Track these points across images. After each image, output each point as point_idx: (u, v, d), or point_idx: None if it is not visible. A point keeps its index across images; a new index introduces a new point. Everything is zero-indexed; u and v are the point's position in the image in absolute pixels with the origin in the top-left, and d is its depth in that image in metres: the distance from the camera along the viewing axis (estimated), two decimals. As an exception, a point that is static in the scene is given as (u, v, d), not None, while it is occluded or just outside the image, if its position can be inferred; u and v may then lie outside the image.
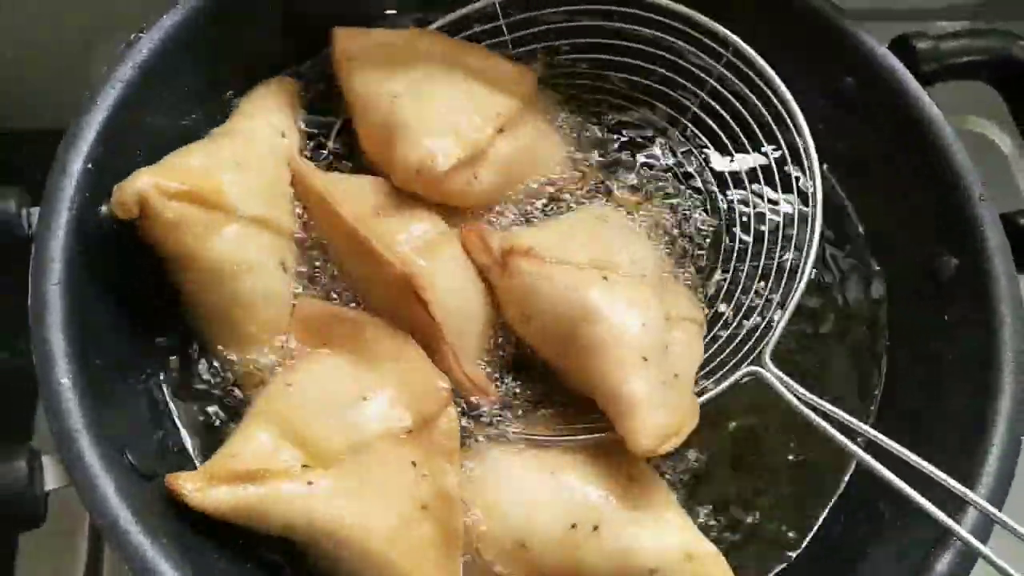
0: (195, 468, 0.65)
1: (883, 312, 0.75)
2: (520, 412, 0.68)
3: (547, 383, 0.69)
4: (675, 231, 0.77)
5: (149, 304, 0.68)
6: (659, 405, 0.61)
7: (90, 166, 0.64)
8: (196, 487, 0.58)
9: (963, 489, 0.59)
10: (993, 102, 0.81)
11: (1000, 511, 0.59)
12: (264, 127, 0.73)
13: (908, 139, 0.72)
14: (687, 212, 0.77)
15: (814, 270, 0.70)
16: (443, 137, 0.69)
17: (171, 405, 0.68)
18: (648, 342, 0.63)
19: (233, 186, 0.66)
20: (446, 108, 0.71)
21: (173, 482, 0.58)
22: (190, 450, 0.67)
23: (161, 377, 0.68)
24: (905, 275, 0.74)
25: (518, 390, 0.69)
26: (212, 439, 0.67)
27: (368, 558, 0.60)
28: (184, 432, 0.68)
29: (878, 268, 0.76)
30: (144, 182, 0.62)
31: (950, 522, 0.59)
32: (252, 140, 0.71)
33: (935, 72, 0.76)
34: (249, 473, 0.59)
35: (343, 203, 0.67)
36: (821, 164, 0.72)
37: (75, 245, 0.62)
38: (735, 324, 0.71)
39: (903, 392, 0.72)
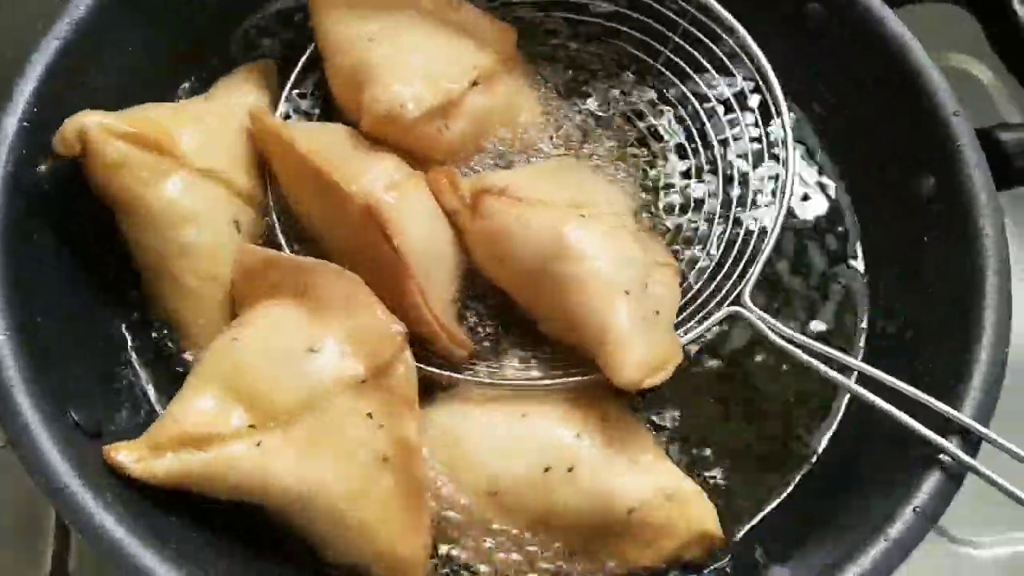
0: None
1: (861, 238, 0.73)
2: (491, 360, 0.66)
3: (517, 332, 0.67)
4: (648, 182, 0.74)
5: (95, 260, 0.66)
6: (642, 337, 0.59)
7: (26, 124, 0.62)
8: (137, 457, 0.56)
9: (948, 409, 0.57)
10: (967, 32, 0.79)
11: (988, 425, 0.57)
12: (237, 101, 0.71)
13: (877, 61, 0.70)
14: (660, 164, 0.75)
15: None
16: (415, 83, 0.67)
17: (126, 363, 0.66)
18: (628, 276, 0.61)
19: (187, 136, 0.65)
20: (421, 56, 0.69)
21: (111, 454, 0.56)
22: (150, 406, 0.66)
23: (112, 334, 0.67)
24: (882, 199, 0.71)
25: (488, 340, 0.67)
26: (167, 395, 0.65)
27: (331, 516, 0.57)
28: (138, 389, 0.66)
29: (853, 194, 0.74)
30: (89, 119, 0.62)
31: (939, 439, 0.57)
32: (220, 107, 0.70)
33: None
34: (193, 438, 0.56)
35: (301, 141, 0.64)
36: (788, 94, 0.70)
37: (11, 203, 0.60)
38: (711, 266, 0.69)
39: (888, 316, 0.70)
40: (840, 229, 0.74)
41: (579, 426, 0.61)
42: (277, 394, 0.58)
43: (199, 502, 0.57)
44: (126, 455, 0.56)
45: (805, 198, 0.75)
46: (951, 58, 0.98)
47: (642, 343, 0.59)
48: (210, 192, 0.65)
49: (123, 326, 0.67)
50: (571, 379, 0.62)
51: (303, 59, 0.73)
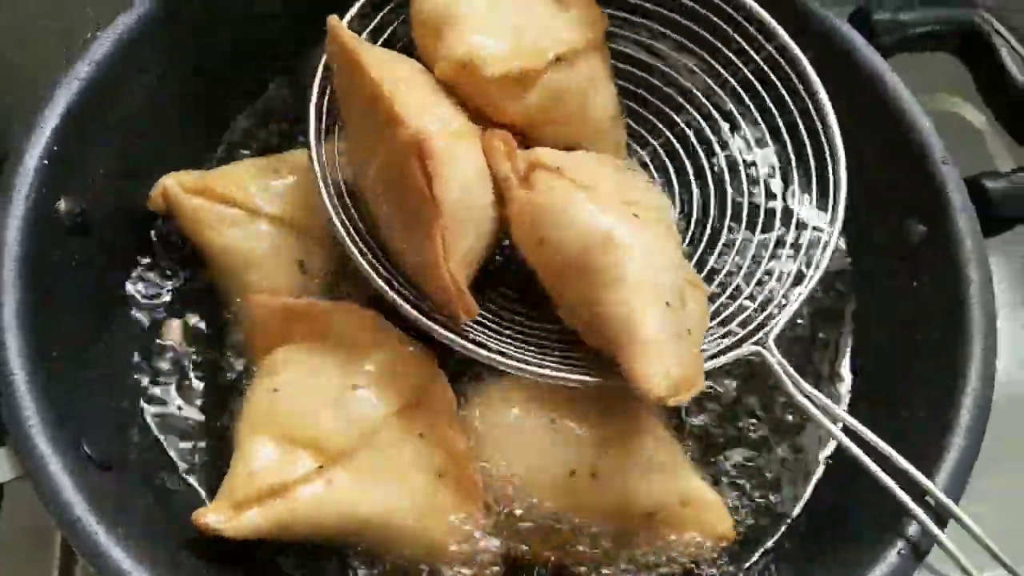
0: (169, 459, 0.66)
1: (852, 281, 0.75)
2: (507, 339, 0.63)
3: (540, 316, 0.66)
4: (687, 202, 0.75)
5: (108, 297, 0.68)
6: (674, 351, 0.56)
7: (47, 161, 0.64)
8: (226, 518, 0.58)
9: (923, 479, 0.59)
10: (962, 77, 0.81)
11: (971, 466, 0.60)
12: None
13: (868, 108, 0.72)
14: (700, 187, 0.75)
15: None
16: (500, 40, 0.64)
17: (136, 399, 0.68)
18: (670, 286, 0.59)
19: (256, 186, 0.70)
20: (512, 14, 0.66)
21: (200, 520, 0.58)
22: (160, 441, 0.67)
23: (123, 371, 0.68)
24: (874, 243, 0.73)
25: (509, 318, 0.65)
26: (176, 431, 0.68)
27: (402, 535, 0.60)
28: (148, 423, 0.68)
29: (845, 237, 0.75)
30: (167, 180, 0.70)
31: (914, 507, 0.58)
32: (293, 156, 0.74)
33: (895, 44, 0.76)
34: (272, 489, 0.59)
35: (373, 64, 0.61)
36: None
37: (31, 239, 0.62)
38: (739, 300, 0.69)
39: (878, 359, 0.71)
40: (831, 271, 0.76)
41: (604, 430, 0.62)
42: (334, 435, 0.60)
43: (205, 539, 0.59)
44: (215, 517, 0.58)
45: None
46: (944, 100, 1.00)
47: (673, 357, 0.56)
48: (276, 237, 0.69)
49: (135, 362, 0.69)
50: (594, 379, 0.61)
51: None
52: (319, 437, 0.60)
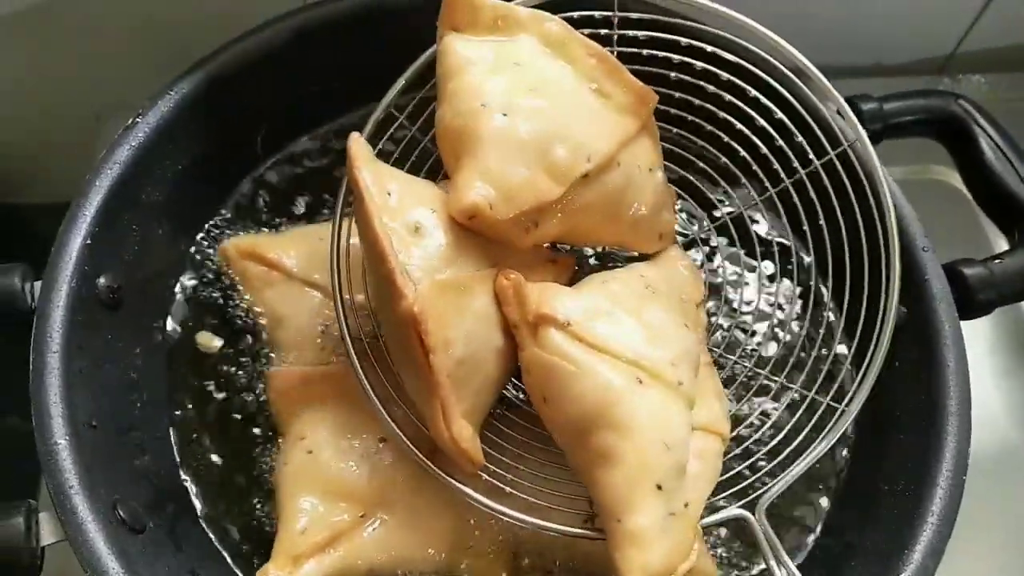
0: (191, 522, 0.71)
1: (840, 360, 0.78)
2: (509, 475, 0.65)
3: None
4: (724, 319, 0.78)
5: (139, 368, 0.73)
6: (658, 541, 0.57)
7: (89, 242, 0.69)
8: (287, 572, 0.65)
9: None
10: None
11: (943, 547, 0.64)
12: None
13: (854, 196, 0.75)
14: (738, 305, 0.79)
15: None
16: (513, 176, 0.61)
17: (169, 465, 0.73)
18: (667, 467, 0.58)
19: (291, 253, 0.77)
20: (543, 125, 0.62)
21: None
22: (191, 503, 0.72)
23: (156, 436, 0.73)
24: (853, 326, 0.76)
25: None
26: (208, 495, 0.72)
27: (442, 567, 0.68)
28: (180, 488, 0.72)
29: (833, 319, 0.79)
30: (226, 243, 0.80)
31: None
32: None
33: (881, 131, 0.80)
34: (324, 542, 0.66)
35: (375, 214, 0.59)
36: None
37: (73, 316, 0.67)
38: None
39: (857, 436, 0.75)
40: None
41: None
42: (371, 483, 0.68)
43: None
44: (276, 573, 0.65)
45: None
46: (933, 170, 1.04)
47: (658, 548, 0.57)
48: (309, 300, 0.76)
49: (166, 430, 0.74)
50: (587, 534, 0.63)
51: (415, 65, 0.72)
52: (355, 488, 0.67)
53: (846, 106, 0.72)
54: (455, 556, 0.67)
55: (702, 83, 0.75)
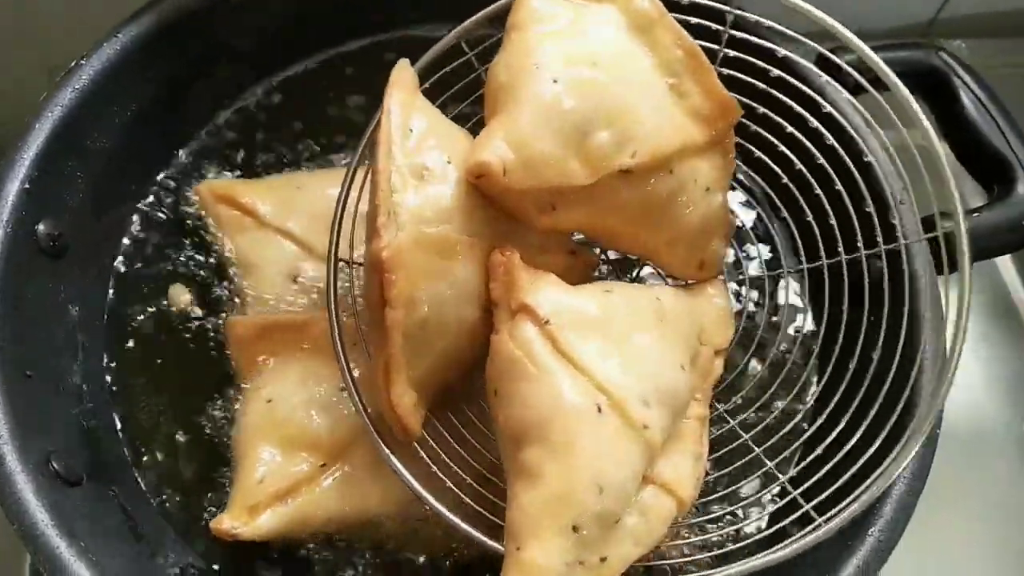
0: (129, 474, 0.67)
1: (811, 320, 0.76)
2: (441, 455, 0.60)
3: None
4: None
5: (78, 317, 0.70)
6: None
7: (27, 187, 0.65)
8: (242, 522, 0.62)
9: None
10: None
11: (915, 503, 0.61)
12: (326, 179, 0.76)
13: (830, 147, 0.73)
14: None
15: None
16: (537, 144, 0.54)
17: (107, 415, 0.70)
18: (592, 510, 0.52)
19: (273, 200, 0.75)
20: (596, 103, 0.56)
21: (217, 526, 0.62)
22: (130, 457, 0.69)
23: (92, 389, 0.69)
24: (832, 280, 0.73)
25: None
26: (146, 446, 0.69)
27: (401, 516, 0.65)
28: (124, 436, 0.69)
29: (804, 276, 0.76)
30: (201, 185, 0.77)
31: None
32: (312, 177, 0.78)
33: (860, 84, 0.77)
34: (282, 492, 0.64)
35: (392, 140, 0.55)
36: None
37: (9, 263, 0.63)
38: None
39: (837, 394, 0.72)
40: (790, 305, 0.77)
41: None
42: (333, 434, 0.65)
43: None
44: (230, 523, 0.62)
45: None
46: (912, 134, 1.02)
47: None
48: (280, 249, 0.73)
49: (108, 381, 0.71)
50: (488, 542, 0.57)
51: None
52: (317, 438, 0.65)
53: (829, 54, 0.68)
54: (414, 507, 0.64)
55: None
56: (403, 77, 0.58)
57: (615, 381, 0.54)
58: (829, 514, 0.59)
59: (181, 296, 0.74)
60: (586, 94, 0.56)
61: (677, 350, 0.60)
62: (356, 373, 0.60)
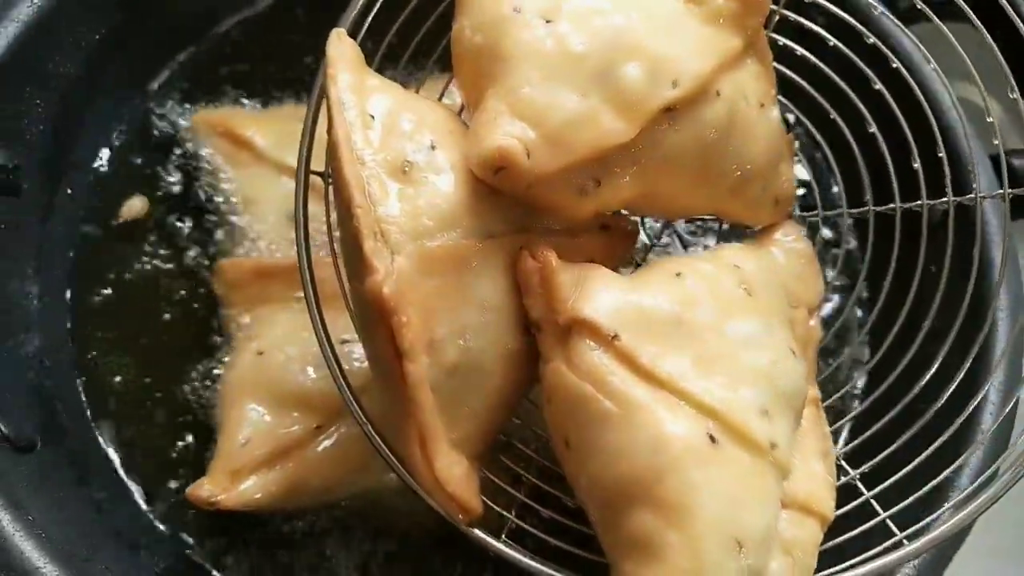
0: (90, 440, 0.61)
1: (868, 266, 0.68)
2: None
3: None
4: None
5: (41, 263, 0.63)
6: None
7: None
8: (221, 489, 0.55)
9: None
10: (976, 63, 0.75)
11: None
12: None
13: (890, 82, 0.65)
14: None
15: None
16: (556, 109, 0.43)
17: (67, 376, 0.63)
18: (732, 568, 0.41)
19: (265, 133, 0.70)
20: (601, 39, 0.44)
21: (194, 492, 0.55)
22: (95, 415, 0.63)
23: (53, 344, 0.63)
24: (890, 226, 0.66)
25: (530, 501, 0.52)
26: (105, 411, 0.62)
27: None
28: (85, 398, 0.63)
29: (857, 219, 0.69)
30: (196, 116, 0.71)
31: None
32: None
33: (913, 9, 0.69)
34: (269, 456, 0.56)
35: (353, 138, 0.43)
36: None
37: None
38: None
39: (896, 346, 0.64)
40: (845, 252, 0.70)
41: None
42: (330, 392, 0.53)
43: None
44: (209, 490, 0.56)
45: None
46: (955, 87, 0.94)
47: None
48: (278, 186, 0.68)
49: (65, 336, 0.64)
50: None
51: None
52: (312, 397, 0.57)
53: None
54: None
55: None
56: (343, 52, 0.45)
57: (722, 396, 0.42)
58: (912, 530, 0.49)
59: (135, 205, 0.69)
60: (593, 27, 0.45)
61: (779, 328, 0.48)
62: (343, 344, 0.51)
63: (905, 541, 0.49)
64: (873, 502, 0.52)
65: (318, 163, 0.50)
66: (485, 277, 0.43)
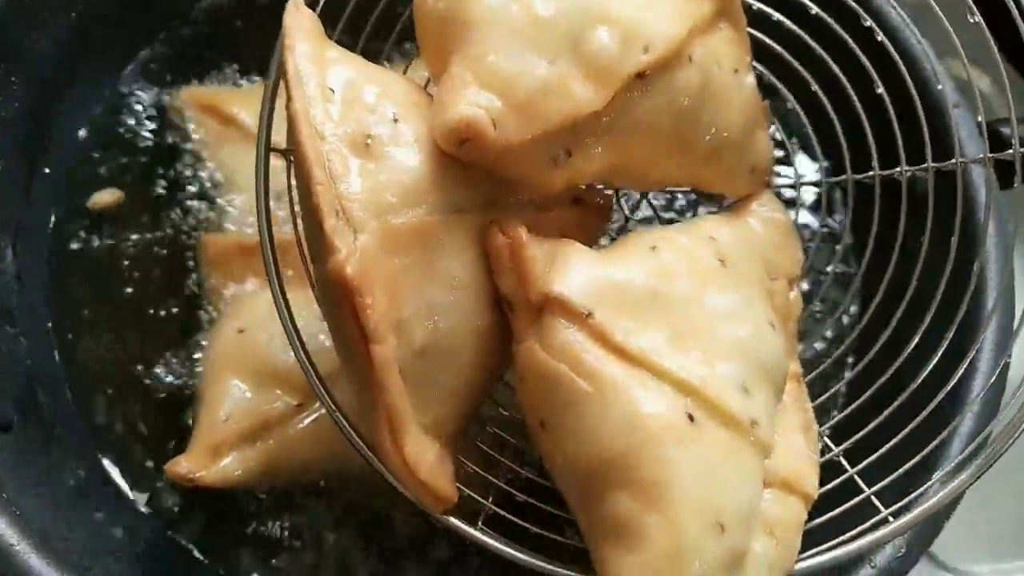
0: (69, 419, 0.60)
1: (853, 236, 0.67)
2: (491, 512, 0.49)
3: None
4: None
5: (18, 245, 0.63)
6: None
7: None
8: (199, 466, 0.55)
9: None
10: (966, 41, 0.74)
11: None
12: None
13: (874, 53, 0.64)
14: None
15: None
16: (525, 74, 0.41)
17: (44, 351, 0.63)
18: (716, 560, 0.40)
19: (251, 111, 0.68)
20: (563, 5, 0.43)
21: (172, 469, 0.55)
22: (67, 399, 0.62)
23: (31, 320, 0.63)
24: (877, 197, 0.65)
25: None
26: (88, 384, 0.61)
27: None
28: (62, 375, 0.62)
29: (846, 190, 0.68)
30: (182, 92, 0.71)
31: None
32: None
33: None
34: (249, 431, 0.56)
35: (311, 111, 0.41)
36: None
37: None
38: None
39: (884, 320, 0.63)
40: (833, 226, 0.69)
41: None
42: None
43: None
44: (187, 466, 0.55)
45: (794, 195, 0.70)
46: (947, 64, 0.93)
47: None
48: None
49: (43, 312, 0.64)
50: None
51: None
52: (295, 374, 0.55)
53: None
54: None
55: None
56: (301, 23, 0.44)
57: (699, 372, 0.41)
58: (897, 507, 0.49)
59: (114, 190, 0.68)
60: None
61: (758, 301, 0.47)
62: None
63: (890, 518, 0.48)
64: (857, 478, 0.51)
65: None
66: (453, 254, 0.42)
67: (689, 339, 0.42)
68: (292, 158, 0.46)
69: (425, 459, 0.42)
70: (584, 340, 0.41)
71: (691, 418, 0.40)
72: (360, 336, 0.39)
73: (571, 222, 0.48)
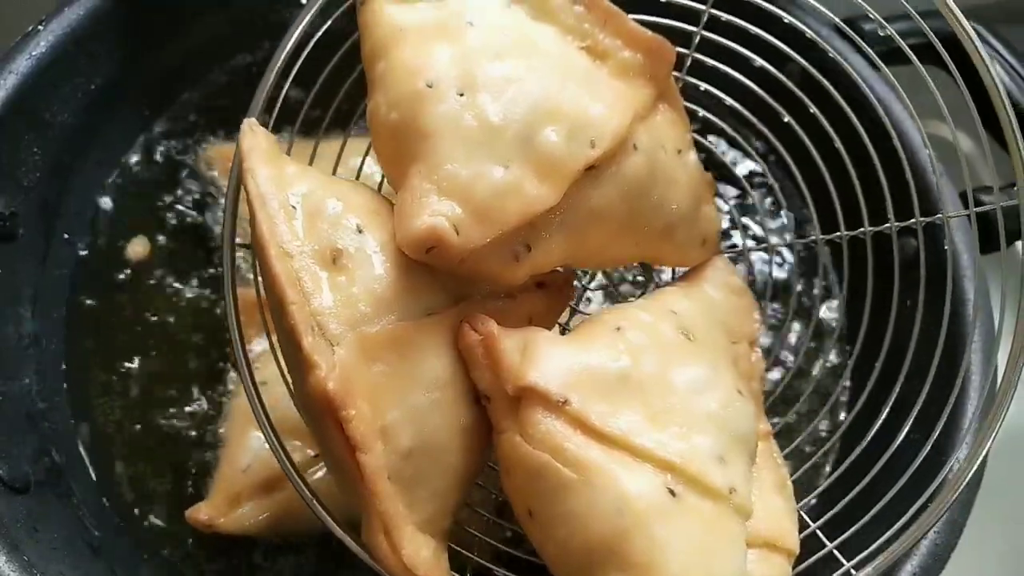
0: (86, 481, 0.62)
1: (841, 306, 0.70)
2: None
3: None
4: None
5: (36, 308, 0.65)
6: None
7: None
8: (218, 513, 0.56)
9: None
10: (947, 102, 0.77)
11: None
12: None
13: (859, 120, 0.67)
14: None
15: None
16: (483, 181, 0.43)
17: (61, 419, 0.64)
18: None
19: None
20: (518, 105, 0.44)
21: (194, 516, 0.56)
22: (84, 461, 0.63)
23: (49, 385, 0.64)
24: (863, 261, 0.67)
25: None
26: (105, 447, 0.63)
27: None
28: (80, 439, 0.64)
29: (834, 255, 0.70)
30: (210, 150, 0.72)
31: None
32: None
33: (883, 54, 0.71)
34: (267, 482, 0.57)
35: (278, 232, 0.42)
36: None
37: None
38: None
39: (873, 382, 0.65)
40: (823, 287, 0.71)
41: None
42: None
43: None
44: (207, 514, 0.57)
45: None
46: (928, 124, 0.96)
47: None
48: None
49: (61, 377, 0.66)
50: None
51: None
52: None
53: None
54: None
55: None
56: (257, 143, 0.45)
57: (677, 448, 0.41)
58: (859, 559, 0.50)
59: (136, 248, 0.69)
60: (508, 96, 0.45)
61: (724, 371, 0.48)
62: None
63: (853, 571, 0.50)
64: (819, 533, 0.53)
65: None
66: (429, 355, 0.43)
67: (663, 416, 0.43)
68: (258, 263, 0.47)
69: (422, 558, 0.43)
70: (563, 428, 0.42)
71: (673, 493, 0.42)
72: (347, 446, 0.40)
73: (537, 305, 0.50)
